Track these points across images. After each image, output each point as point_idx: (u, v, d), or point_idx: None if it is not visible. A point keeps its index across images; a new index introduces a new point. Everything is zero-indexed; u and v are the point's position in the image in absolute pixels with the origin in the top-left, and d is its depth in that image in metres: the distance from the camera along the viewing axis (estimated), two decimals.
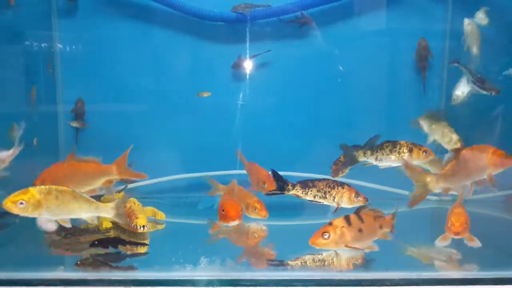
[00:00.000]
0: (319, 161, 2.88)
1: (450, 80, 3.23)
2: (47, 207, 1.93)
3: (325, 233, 2.03)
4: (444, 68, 3.23)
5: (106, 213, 2.06)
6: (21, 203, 1.88)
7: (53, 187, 1.97)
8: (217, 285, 1.87)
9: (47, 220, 2.10)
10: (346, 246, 2.06)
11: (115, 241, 2.20)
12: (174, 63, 3.23)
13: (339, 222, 2.07)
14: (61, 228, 2.33)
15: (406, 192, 2.43)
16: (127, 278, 1.91)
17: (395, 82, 3.28)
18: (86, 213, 2.04)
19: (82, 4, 3.12)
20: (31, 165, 2.67)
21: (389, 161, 2.43)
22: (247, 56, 3.12)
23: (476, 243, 2.18)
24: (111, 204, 2.07)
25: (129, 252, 2.15)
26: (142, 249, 2.20)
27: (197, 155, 3.21)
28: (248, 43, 3.13)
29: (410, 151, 2.40)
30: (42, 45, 3.13)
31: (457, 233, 2.17)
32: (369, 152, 2.44)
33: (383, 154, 2.42)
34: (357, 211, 2.14)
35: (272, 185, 2.41)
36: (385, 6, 3.19)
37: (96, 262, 1.99)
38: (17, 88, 3.00)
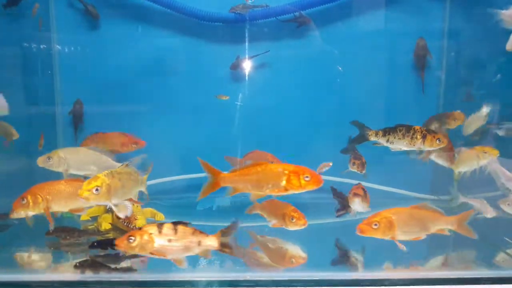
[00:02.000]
0: (319, 161, 2.88)
1: (449, 80, 3.24)
2: (114, 190, 1.92)
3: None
4: (443, 68, 3.23)
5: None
6: (97, 190, 1.85)
7: (112, 170, 1.95)
8: (216, 286, 1.87)
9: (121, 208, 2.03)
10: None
11: (115, 243, 2.19)
12: (173, 64, 3.23)
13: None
14: (60, 230, 2.34)
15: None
16: (126, 280, 1.91)
17: (394, 82, 3.28)
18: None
19: (80, 6, 3.12)
20: (30, 165, 2.67)
21: (401, 144, 2.40)
22: (246, 56, 3.12)
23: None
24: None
25: (128, 254, 2.14)
26: None
27: (196, 156, 3.20)
28: (246, 44, 3.13)
29: (424, 137, 2.37)
30: (41, 46, 3.12)
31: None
32: (380, 133, 2.42)
33: (395, 137, 2.39)
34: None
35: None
36: (383, 6, 3.19)
37: (95, 264, 1.99)
38: (15, 90, 2.99)
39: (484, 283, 1.93)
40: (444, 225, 2.06)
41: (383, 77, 3.27)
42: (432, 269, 2.15)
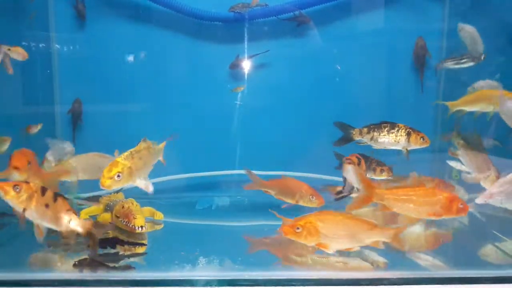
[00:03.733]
0: (318, 161, 2.89)
1: (448, 79, 3.24)
2: (137, 170, 1.93)
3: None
4: (442, 67, 3.23)
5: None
6: (118, 176, 1.86)
7: (132, 150, 1.98)
8: (215, 285, 1.86)
9: (145, 184, 2.06)
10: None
11: (113, 241, 2.19)
12: (172, 63, 3.23)
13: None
14: None
15: None
16: (125, 279, 1.91)
17: (393, 82, 3.28)
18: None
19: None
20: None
21: (385, 142, 2.38)
22: (245, 56, 3.12)
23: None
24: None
25: (127, 253, 2.14)
26: (140, 249, 2.20)
27: (195, 155, 3.20)
28: (246, 43, 3.13)
29: (408, 135, 2.35)
30: (40, 45, 3.12)
31: None
32: (365, 130, 2.39)
33: (379, 134, 2.37)
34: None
35: (320, 198, 2.40)
36: (382, 5, 3.20)
37: (94, 263, 1.98)
38: (14, 89, 2.98)
39: (484, 283, 1.93)
40: (378, 237, 1.97)
41: (382, 77, 3.27)
42: (431, 268, 2.15)
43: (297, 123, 3.28)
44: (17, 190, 1.87)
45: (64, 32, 3.16)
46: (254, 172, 2.61)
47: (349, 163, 2.24)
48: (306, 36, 3.18)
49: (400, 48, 3.22)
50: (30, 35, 3.04)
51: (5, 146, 2.58)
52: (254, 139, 3.22)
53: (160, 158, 2.27)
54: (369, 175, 2.52)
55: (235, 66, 3.14)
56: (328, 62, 3.22)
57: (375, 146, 2.40)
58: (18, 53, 2.47)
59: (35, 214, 1.89)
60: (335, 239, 1.94)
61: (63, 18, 3.13)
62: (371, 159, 2.55)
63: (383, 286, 1.88)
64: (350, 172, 2.26)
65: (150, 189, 2.07)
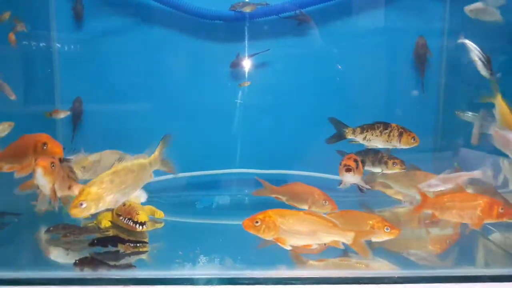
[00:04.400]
0: (318, 160, 2.89)
1: (449, 78, 3.24)
2: (109, 194, 1.83)
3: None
4: (443, 66, 3.23)
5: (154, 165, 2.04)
6: (81, 204, 1.78)
7: (104, 174, 1.87)
8: (216, 284, 1.87)
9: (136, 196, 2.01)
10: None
11: (114, 240, 2.20)
12: (173, 62, 3.23)
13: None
14: (61, 227, 2.34)
15: None
16: (126, 277, 1.90)
17: (394, 81, 3.28)
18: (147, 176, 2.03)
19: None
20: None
21: (378, 142, 2.37)
22: (246, 54, 3.12)
23: None
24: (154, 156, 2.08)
25: (128, 251, 2.15)
26: (141, 248, 2.20)
27: (195, 153, 3.20)
28: (246, 42, 3.13)
29: (400, 135, 2.35)
30: (40, 44, 3.12)
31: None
32: (358, 130, 2.38)
33: (372, 135, 2.36)
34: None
35: (333, 203, 2.36)
36: (383, 4, 3.19)
37: (95, 261, 1.99)
38: (15, 87, 2.99)
39: (484, 281, 1.93)
40: (337, 237, 1.95)
41: (382, 76, 3.27)
42: (431, 267, 2.15)
43: (297, 121, 3.28)
44: (53, 167, 1.95)
45: (64, 31, 3.16)
46: (255, 171, 2.61)
47: (348, 170, 2.20)
48: (306, 35, 3.18)
49: (401, 47, 3.21)
50: (31, 33, 3.04)
51: (7, 131, 2.59)
52: (255, 137, 3.21)
53: (157, 167, 2.12)
54: (381, 168, 2.51)
55: (236, 65, 3.14)
56: (328, 61, 3.21)
57: (368, 146, 2.40)
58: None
59: (59, 187, 2.00)
60: (294, 235, 1.93)
61: (63, 16, 3.13)
62: (382, 154, 2.52)
63: (383, 284, 1.89)
64: (349, 178, 2.24)
65: (141, 199, 2.04)
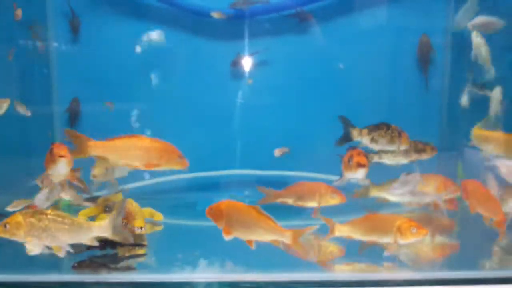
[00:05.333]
0: (318, 161, 2.86)
1: (452, 76, 3.21)
2: (29, 230, 1.84)
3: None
4: (446, 64, 3.21)
5: (102, 232, 1.91)
6: (5, 226, 1.84)
7: (38, 210, 1.90)
8: None
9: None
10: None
11: (113, 243, 2.17)
12: (173, 61, 3.21)
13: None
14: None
15: None
16: (125, 280, 1.90)
17: (397, 79, 3.26)
18: (79, 236, 1.91)
19: (78, 2, 3.09)
20: (28, 165, 2.66)
21: (383, 143, 2.33)
22: (246, 53, 3.10)
23: None
24: (105, 222, 1.90)
25: (126, 254, 2.13)
26: (140, 251, 2.18)
27: (195, 154, 3.17)
28: (247, 40, 3.10)
29: (399, 135, 2.31)
30: (38, 44, 3.10)
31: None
32: (365, 131, 2.35)
33: (379, 135, 2.32)
34: None
35: (341, 195, 2.35)
36: (386, 2, 3.17)
37: (94, 264, 1.97)
38: (13, 87, 2.97)
39: (487, 284, 1.91)
40: (276, 236, 1.95)
41: (386, 74, 3.24)
42: (434, 270, 2.13)
43: (298, 121, 3.25)
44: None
45: (62, 31, 3.14)
46: (255, 172, 2.58)
47: (361, 166, 2.17)
48: (308, 34, 3.15)
49: (404, 45, 3.19)
50: (28, 34, 3.02)
51: (3, 109, 2.58)
52: (255, 137, 3.19)
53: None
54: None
55: (236, 63, 3.12)
56: (330, 59, 3.19)
57: (374, 147, 2.37)
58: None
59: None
60: (237, 228, 1.98)
61: (60, 17, 3.11)
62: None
63: (388, 287, 1.87)
64: (361, 175, 2.23)
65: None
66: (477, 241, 2.45)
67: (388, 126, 2.33)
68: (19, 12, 2.76)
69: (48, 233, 1.85)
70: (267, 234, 1.95)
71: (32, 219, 1.85)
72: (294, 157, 3.10)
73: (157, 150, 2.09)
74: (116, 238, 1.91)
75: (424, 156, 2.49)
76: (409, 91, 3.26)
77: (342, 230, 2.11)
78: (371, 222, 2.09)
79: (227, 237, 1.98)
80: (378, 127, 2.33)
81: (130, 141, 2.08)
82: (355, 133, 2.36)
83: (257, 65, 3.15)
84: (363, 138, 2.35)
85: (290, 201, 2.46)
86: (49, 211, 1.88)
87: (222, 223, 1.98)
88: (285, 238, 1.92)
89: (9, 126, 2.85)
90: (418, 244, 2.25)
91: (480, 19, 2.75)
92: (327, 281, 1.90)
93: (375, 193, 2.45)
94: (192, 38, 3.22)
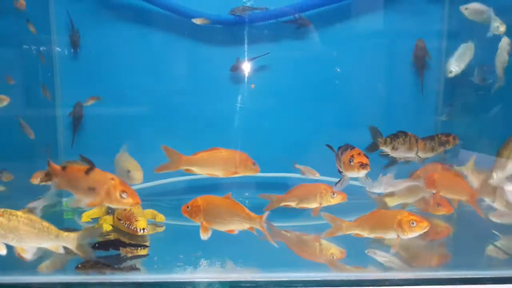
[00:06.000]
0: (319, 163, 2.88)
1: (448, 81, 3.24)
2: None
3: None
4: (442, 69, 3.24)
5: (67, 243, 1.90)
6: None
7: (9, 211, 1.86)
8: (217, 287, 1.87)
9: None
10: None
11: (116, 244, 2.20)
12: (173, 66, 3.23)
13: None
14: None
15: None
16: (128, 281, 1.91)
17: (393, 83, 3.29)
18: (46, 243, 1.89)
19: (80, 7, 3.12)
20: (30, 168, 2.67)
21: (403, 150, 2.40)
22: (246, 58, 3.13)
23: None
24: (74, 235, 1.89)
25: (129, 255, 2.15)
26: (142, 251, 2.20)
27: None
28: (246, 46, 3.13)
29: (416, 142, 2.40)
30: (41, 48, 3.12)
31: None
32: (388, 140, 2.40)
33: (399, 143, 2.39)
34: None
35: (342, 193, 2.39)
36: (382, 7, 3.20)
37: (97, 265, 1.99)
38: (15, 91, 2.99)
39: (485, 283, 1.93)
40: (250, 223, 2.07)
41: (382, 78, 3.28)
42: (432, 269, 2.15)
43: (297, 125, 3.28)
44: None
45: (65, 35, 3.16)
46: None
47: (363, 167, 2.16)
48: (306, 39, 3.18)
49: (400, 50, 3.22)
50: (32, 37, 3.05)
51: (3, 104, 2.60)
52: (255, 141, 3.21)
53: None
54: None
55: (236, 68, 3.14)
56: (328, 64, 3.22)
57: (394, 155, 2.43)
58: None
59: None
60: (215, 221, 2.07)
61: (63, 20, 3.13)
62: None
63: (384, 287, 1.89)
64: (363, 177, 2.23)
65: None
66: (475, 241, 2.48)
67: (406, 134, 2.41)
68: (22, 1, 2.76)
69: (15, 234, 1.84)
70: (243, 222, 2.06)
71: (1, 218, 1.83)
72: (295, 159, 3.12)
73: (235, 160, 2.26)
74: (79, 253, 1.91)
75: (448, 147, 2.58)
76: (404, 95, 3.29)
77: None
78: (375, 219, 2.13)
79: (205, 235, 2.06)
80: (397, 136, 2.40)
81: (212, 154, 2.26)
82: (381, 142, 2.41)
83: (256, 70, 3.18)
84: (387, 147, 2.40)
85: (293, 204, 2.50)
86: (20, 213, 1.86)
87: (200, 219, 2.07)
88: (256, 224, 2.04)
89: (12, 129, 2.88)
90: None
91: (474, 5, 2.77)
92: (327, 281, 1.92)
93: None
94: (192, 43, 3.24)
